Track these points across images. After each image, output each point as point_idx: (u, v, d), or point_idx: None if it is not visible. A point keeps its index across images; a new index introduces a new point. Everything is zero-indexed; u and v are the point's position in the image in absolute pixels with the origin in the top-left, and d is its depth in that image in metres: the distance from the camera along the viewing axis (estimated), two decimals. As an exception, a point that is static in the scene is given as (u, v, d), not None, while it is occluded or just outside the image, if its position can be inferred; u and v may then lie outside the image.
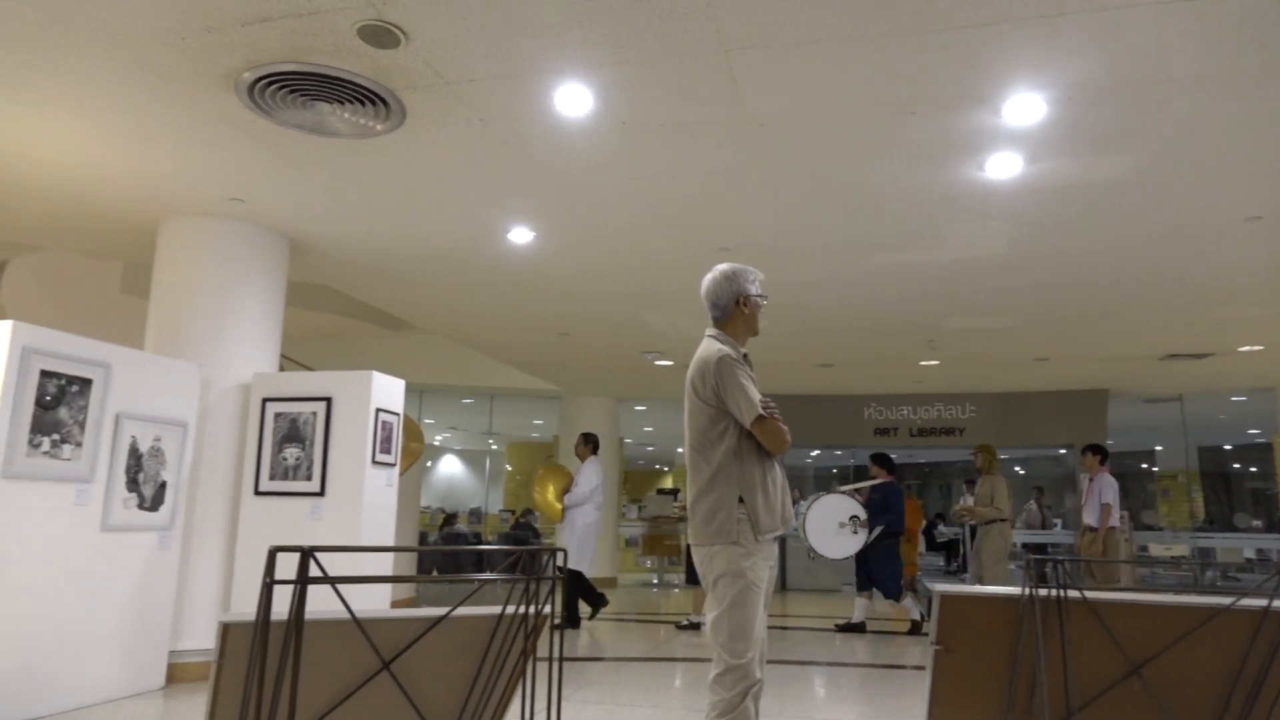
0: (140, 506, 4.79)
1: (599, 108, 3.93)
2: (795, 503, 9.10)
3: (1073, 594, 2.77)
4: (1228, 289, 6.58)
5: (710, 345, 2.94)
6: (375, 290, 7.16)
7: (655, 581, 13.65)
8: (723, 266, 3.04)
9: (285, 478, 5.27)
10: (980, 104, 3.85)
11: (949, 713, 2.93)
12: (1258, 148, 4.20)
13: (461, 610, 2.47)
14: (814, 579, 12.18)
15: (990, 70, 3.57)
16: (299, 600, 1.95)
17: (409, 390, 6.38)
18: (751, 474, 2.81)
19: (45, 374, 4.27)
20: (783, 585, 12.09)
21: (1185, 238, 5.48)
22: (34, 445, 4.21)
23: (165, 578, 4.95)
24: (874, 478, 8.09)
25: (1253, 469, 17.69)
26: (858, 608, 7.91)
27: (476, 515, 17.63)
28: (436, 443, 20.51)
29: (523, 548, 2.42)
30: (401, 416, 5.63)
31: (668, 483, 23.39)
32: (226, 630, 2.15)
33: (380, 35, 3.37)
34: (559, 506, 7.78)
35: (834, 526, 7.77)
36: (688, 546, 7.91)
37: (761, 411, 2.78)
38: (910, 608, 7.85)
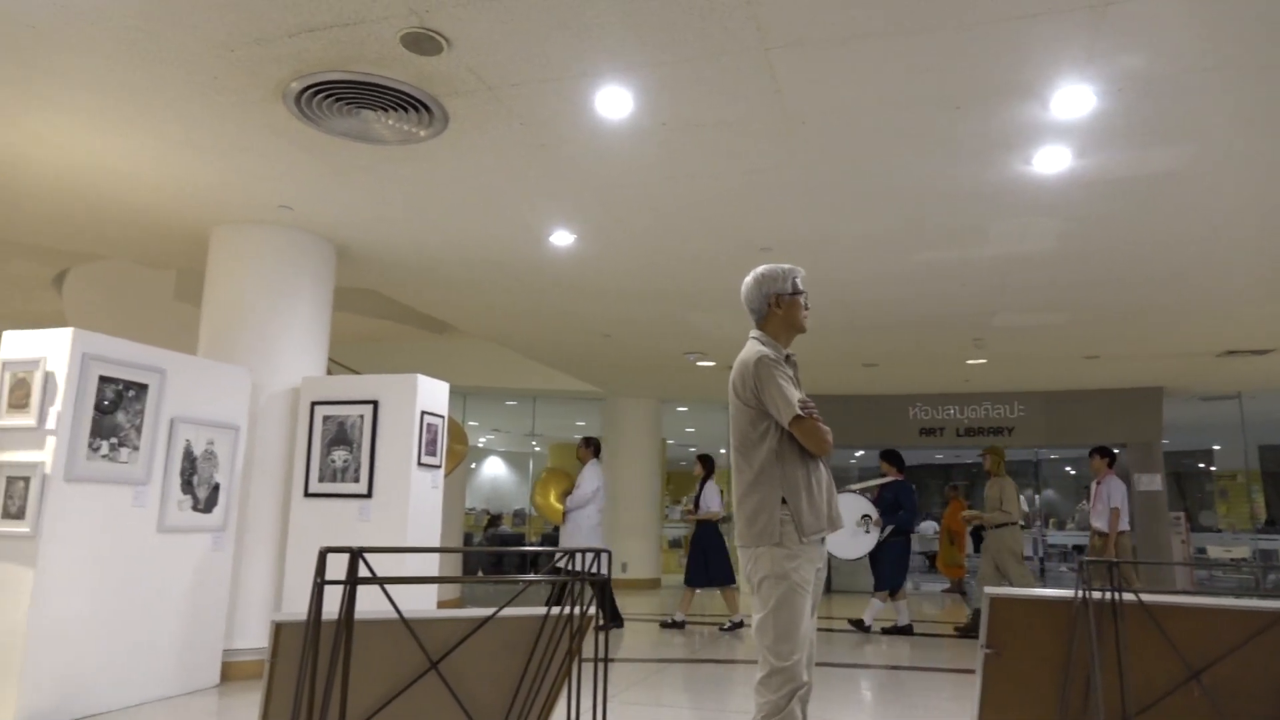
0: (194, 508, 4.91)
1: (639, 109, 3.94)
2: None
3: (1128, 597, 2.70)
4: (1289, 283, 6.37)
5: (751, 347, 2.95)
6: (419, 294, 7.25)
7: (699, 583, 13.59)
8: (756, 270, 3.05)
9: (334, 479, 5.36)
10: (1027, 97, 3.78)
11: (999, 717, 2.88)
12: (1319, 136, 4.06)
13: (507, 611, 2.49)
14: (861, 581, 12.05)
15: (1037, 63, 3.50)
16: (349, 600, 1.98)
17: (453, 392, 6.45)
18: (794, 475, 2.78)
19: (104, 379, 4.40)
20: (828, 587, 11.98)
21: (1241, 229, 5.32)
22: (94, 449, 4.34)
23: (219, 578, 5.07)
24: (884, 476, 8.01)
25: (1317, 468, 17.10)
26: (871, 607, 7.88)
27: (520, 517, 17.76)
28: (480, 445, 20.70)
29: (567, 549, 2.43)
30: (446, 419, 5.69)
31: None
32: (279, 629, 2.19)
33: (423, 42, 3.41)
34: (559, 508, 7.81)
35: (848, 526, 7.71)
36: (692, 540, 7.94)
37: (799, 411, 2.76)
38: (900, 610, 7.71)
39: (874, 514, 7.68)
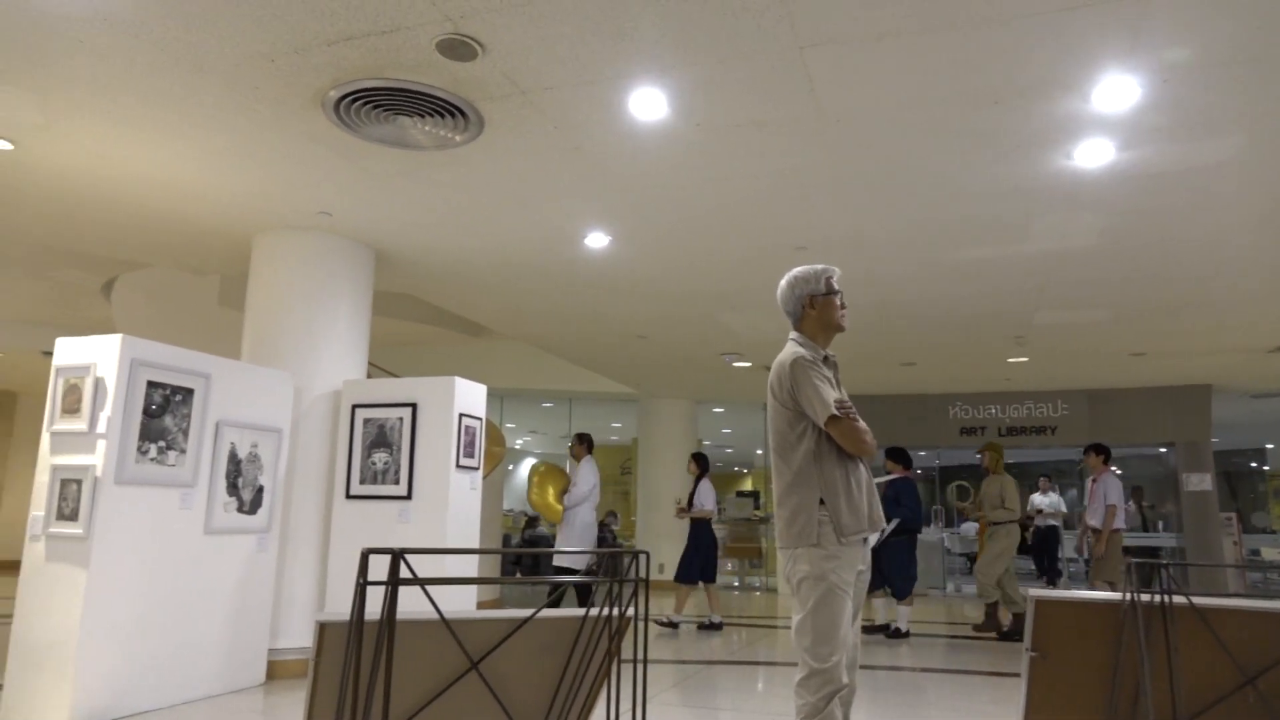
0: (239, 510, 5.01)
1: (673, 110, 3.94)
2: None
3: (1178, 600, 2.64)
4: (1344, 276, 6.18)
5: (788, 348, 2.96)
6: (456, 297, 7.32)
7: (736, 584, 13.57)
8: (790, 272, 3.06)
9: (374, 482, 5.43)
10: (1067, 90, 3.71)
11: (1046, 722, 2.83)
12: (1375, 124, 3.94)
13: (547, 611, 2.50)
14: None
15: (1078, 55, 3.44)
16: (391, 601, 2.00)
17: (490, 395, 6.50)
18: (832, 475, 2.77)
19: (152, 384, 4.50)
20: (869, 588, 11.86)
21: (1295, 223, 5.17)
22: (142, 452, 4.45)
23: (264, 578, 5.16)
24: (889, 473, 7.93)
25: (1375, 467, 16.54)
26: (876, 610, 7.81)
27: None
28: (517, 446, 20.83)
29: (606, 550, 2.43)
30: (484, 421, 5.74)
31: (747, 485, 23.22)
32: (323, 629, 2.23)
33: (458, 48, 3.45)
34: (558, 507, 7.81)
35: None
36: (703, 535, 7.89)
37: (835, 411, 2.75)
38: (901, 613, 7.60)
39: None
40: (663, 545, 12.31)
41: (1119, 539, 7.36)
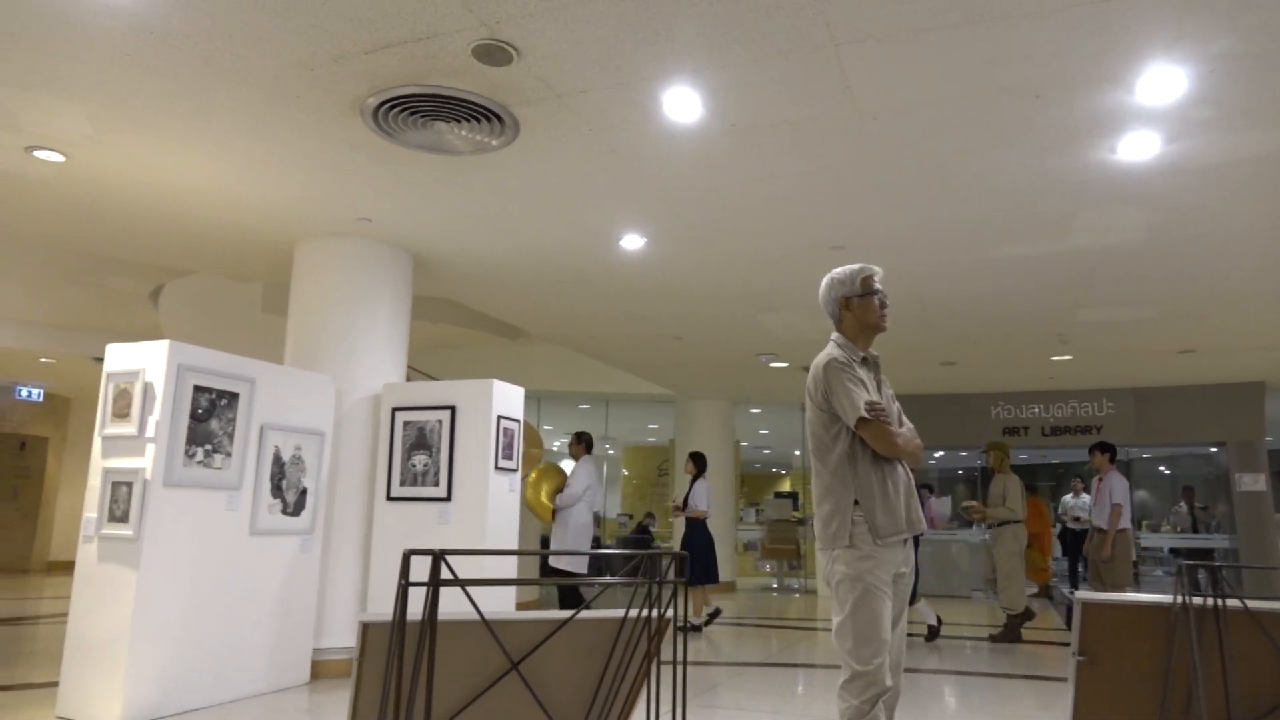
0: (284, 512, 5.09)
1: (707, 111, 3.93)
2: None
3: (1232, 603, 2.57)
4: (1404, 268, 5.98)
5: (825, 350, 2.95)
6: (493, 301, 7.37)
7: (775, 586, 13.50)
8: (829, 274, 3.05)
9: (414, 484, 5.49)
10: (1110, 83, 3.64)
11: (1094, 727, 2.77)
12: None
13: (586, 613, 2.50)
14: (946, 584, 11.77)
15: (1121, 47, 3.37)
16: (432, 601, 2.02)
17: (527, 397, 6.54)
18: (868, 477, 2.76)
19: (198, 389, 4.59)
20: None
21: (1351, 214, 5.02)
22: (189, 455, 4.54)
23: (308, 579, 5.24)
24: None
25: None
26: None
27: (595, 519, 17.87)
28: (555, 448, 20.91)
29: (644, 551, 2.44)
30: (521, 423, 5.77)
31: (785, 486, 23.08)
32: (366, 629, 2.26)
33: (494, 53, 3.47)
34: (550, 506, 7.74)
35: None
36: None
37: (864, 414, 2.74)
38: (924, 613, 7.46)
39: None
40: (701, 547, 12.26)
41: (1126, 540, 7.19)
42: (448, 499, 5.39)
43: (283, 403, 5.13)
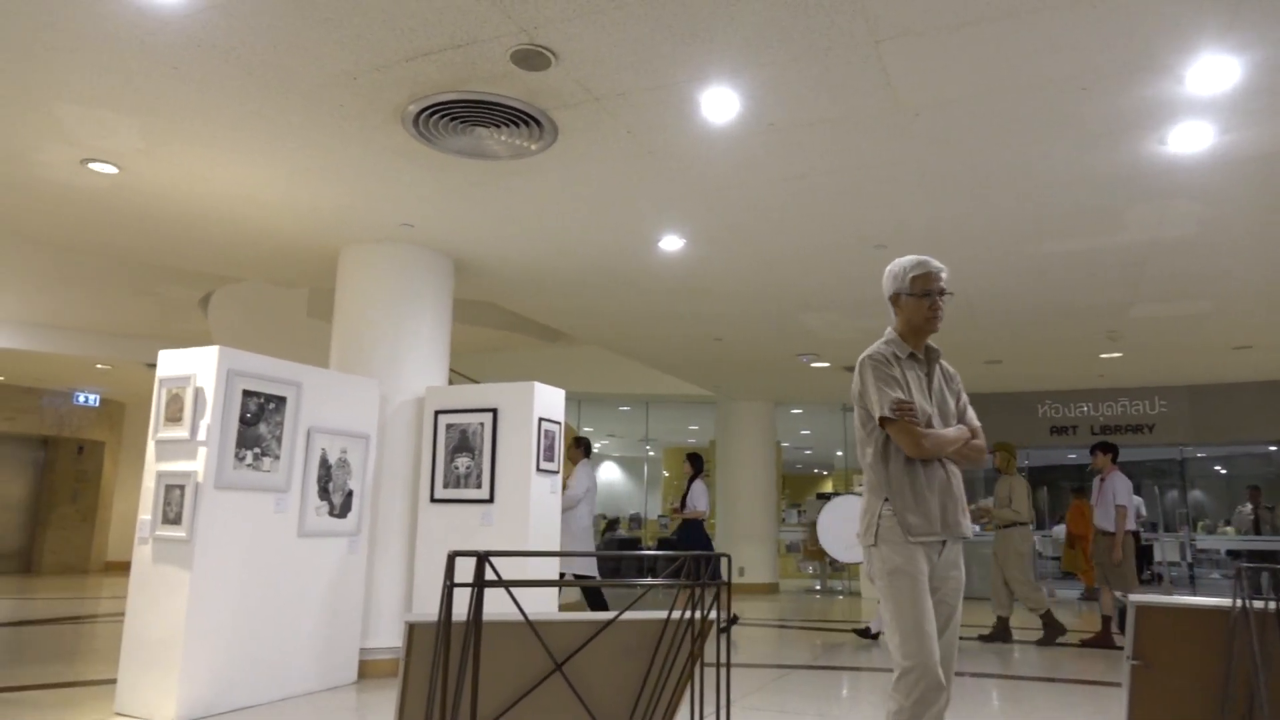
0: (330, 514, 5.17)
1: (745, 111, 3.92)
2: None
3: (1294, 606, 2.49)
4: None
5: (873, 344, 2.92)
6: (534, 304, 7.42)
7: (818, 587, 13.39)
8: (890, 263, 2.97)
9: (457, 485, 5.55)
10: (1159, 73, 3.55)
11: (1150, 733, 2.70)
12: None
13: (629, 614, 2.51)
14: (988, 586, 11.55)
15: (1171, 35, 3.28)
16: (477, 602, 2.04)
17: (568, 399, 6.57)
18: (899, 476, 2.74)
19: (247, 393, 4.69)
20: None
21: None
22: (239, 458, 4.64)
23: (354, 580, 5.32)
24: None
25: None
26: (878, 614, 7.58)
27: (637, 521, 17.88)
28: (596, 450, 20.97)
29: (687, 553, 2.43)
30: (563, 425, 5.80)
31: (827, 486, 22.89)
32: (412, 630, 2.28)
33: (532, 58, 3.50)
34: None
35: (849, 530, 7.47)
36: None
37: (887, 412, 2.71)
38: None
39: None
40: (743, 547, 12.23)
41: (1131, 542, 7.10)
42: (490, 501, 5.43)
43: (329, 406, 5.21)
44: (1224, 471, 16.05)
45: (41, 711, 4.29)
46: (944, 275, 2.89)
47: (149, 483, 4.59)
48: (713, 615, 2.54)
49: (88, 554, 14.23)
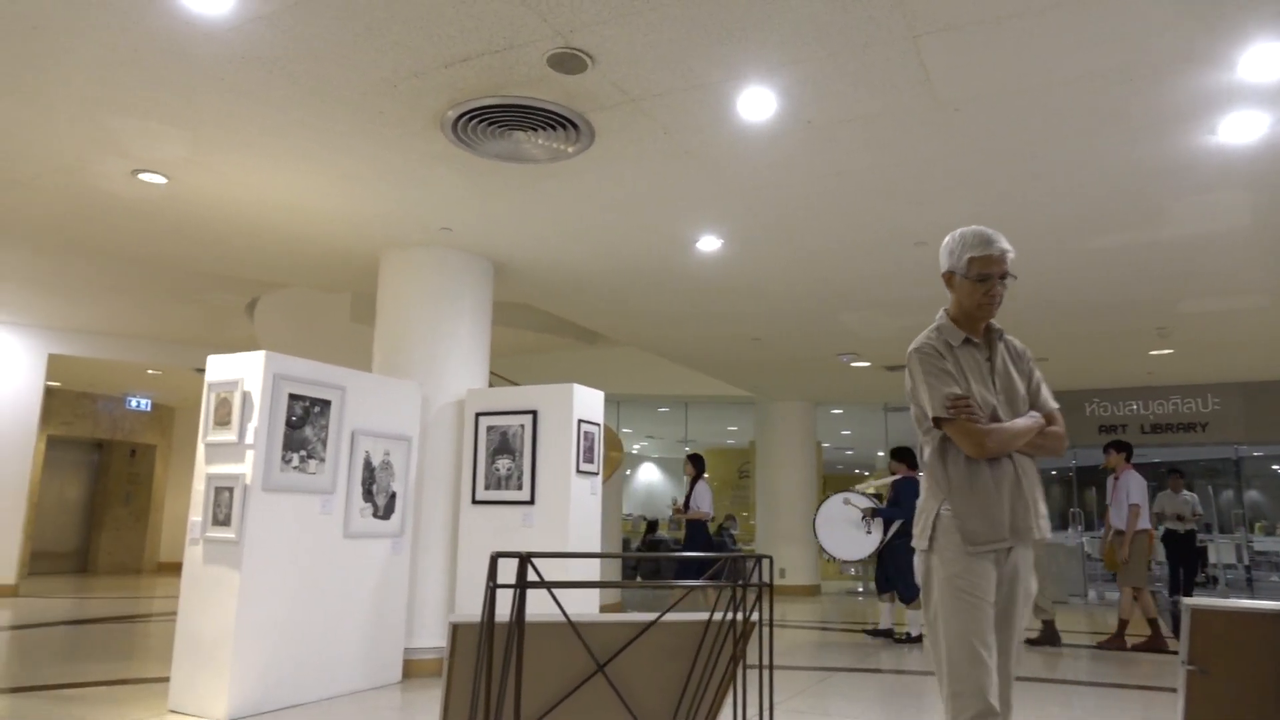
0: (375, 515, 5.25)
1: (782, 109, 3.90)
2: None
3: (1358, 609, 2.41)
4: None
5: (920, 335, 2.66)
6: (572, 306, 7.45)
7: (860, 590, 13.25)
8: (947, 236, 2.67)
9: (498, 487, 5.59)
10: (1208, 63, 3.46)
11: (1206, 740, 2.63)
12: None
13: (671, 615, 2.51)
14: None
15: (1220, 24, 3.20)
16: (519, 603, 2.06)
17: (607, 401, 6.59)
18: (960, 476, 2.47)
19: (293, 397, 4.77)
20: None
21: None
22: (286, 461, 4.72)
23: (399, 580, 5.39)
24: (893, 474, 7.56)
25: None
26: (882, 613, 7.54)
27: (676, 522, 17.88)
28: (635, 451, 21.01)
29: (728, 554, 2.42)
30: (602, 426, 5.81)
31: (869, 488, 22.63)
32: (456, 630, 2.31)
33: (568, 62, 3.52)
34: None
35: (848, 526, 7.37)
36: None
37: (940, 411, 2.46)
38: (911, 617, 7.22)
39: (870, 507, 7.38)
40: (784, 549, 12.16)
41: (1144, 541, 6.99)
42: (531, 502, 5.47)
43: (372, 409, 5.29)
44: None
45: (99, 708, 4.41)
46: (1009, 256, 2.57)
47: (199, 485, 4.70)
48: (754, 617, 2.53)
49: (141, 554, 14.60)
